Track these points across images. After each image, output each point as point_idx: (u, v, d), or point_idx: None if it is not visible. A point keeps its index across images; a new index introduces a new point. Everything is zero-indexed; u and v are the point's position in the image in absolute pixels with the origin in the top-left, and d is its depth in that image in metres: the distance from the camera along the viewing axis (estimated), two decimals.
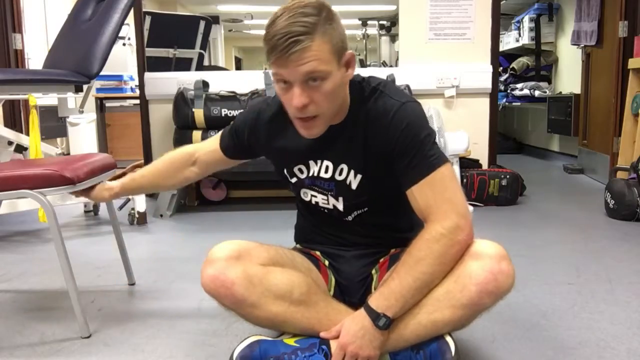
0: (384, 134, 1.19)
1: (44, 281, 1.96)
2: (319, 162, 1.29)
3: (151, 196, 3.32)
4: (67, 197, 2.53)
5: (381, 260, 1.36)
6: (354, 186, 1.28)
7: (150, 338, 1.46)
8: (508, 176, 3.10)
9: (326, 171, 1.29)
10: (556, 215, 2.91)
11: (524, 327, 1.49)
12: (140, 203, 2.75)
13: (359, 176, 1.26)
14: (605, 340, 1.40)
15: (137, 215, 2.76)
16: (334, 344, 1.17)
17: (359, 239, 1.38)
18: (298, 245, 1.48)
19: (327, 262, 1.39)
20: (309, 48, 1.07)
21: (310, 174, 1.31)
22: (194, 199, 3.27)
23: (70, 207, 3.09)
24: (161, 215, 2.92)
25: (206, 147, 1.48)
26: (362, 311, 1.15)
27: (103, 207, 3.02)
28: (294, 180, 1.35)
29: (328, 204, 1.33)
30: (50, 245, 2.35)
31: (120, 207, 2.93)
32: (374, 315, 1.13)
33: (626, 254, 2.19)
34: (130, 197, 2.73)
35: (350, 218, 1.34)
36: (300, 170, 1.32)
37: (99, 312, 1.65)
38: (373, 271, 1.36)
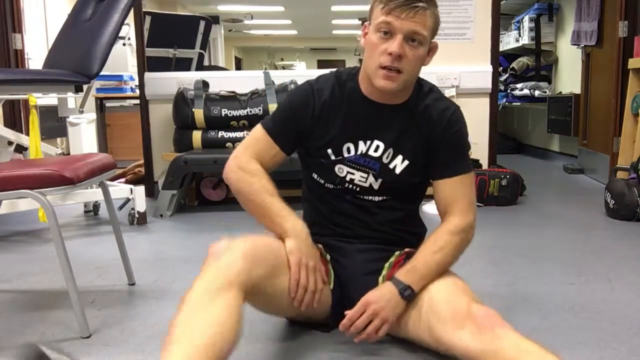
0: (440, 130, 1.35)
1: (44, 281, 1.96)
2: (368, 142, 1.36)
3: (151, 196, 3.32)
4: (67, 197, 2.53)
5: (386, 272, 1.38)
6: (397, 171, 1.37)
7: (150, 338, 1.46)
8: (508, 176, 3.10)
9: (376, 150, 1.36)
10: (556, 215, 2.91)
11: (524, 327, 1.49)
12: (140, 203, 2.75)
13: (406, 162, 1.36)
14: (605, 340, 1.40)
15: (137, 215, 2.76)
16: None
17: (367, 231, 1.41)
18: None
19: (328, 257, 1.41)
20: (424, 12, 1.24)
21: (359, 152, 1.36)
22: (194, 199, 3.26)
23: (70, 207, 3.09)
24: (161, 215, 2.92)
25: (266, 157, 1.38)
26: (388, 283, 1.29)
27: (103, 207, 3.02)
28: (336, 158, 1.37)
29: (365, 182, 1.38)
30: (50, 245, 2.34)
31: (120, 207, 2.93)
32: (402, 287, 1.26)
33: (626, 253, 2.19)
34: (130, 197, 2.73)
35: (376, 199, 1.39)
36: (348, 150, 1.37)
37: (99, 312, 1.65)
38: (380, 279, 1.37)
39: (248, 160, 1.37)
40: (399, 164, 1.37)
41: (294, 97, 1.41)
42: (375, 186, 1.38)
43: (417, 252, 1.31)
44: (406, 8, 1.21)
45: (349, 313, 1.27)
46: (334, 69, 1.44)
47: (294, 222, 1.31)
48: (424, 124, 1.36)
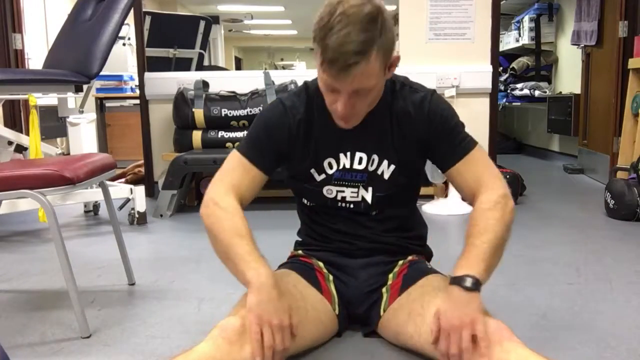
0: (423, 123, 1.28)
1: (44, 281, 1.96)
2: (348, 154, 1.31)
3: (151, 196, 3.32)
4: (67, 197, 2.53)
5: (391, 282, 1.36)
6: (386, 176, 1.32)
7: (150, 338, 1.46)
8: (508, 176, 3.10)
9: (360, 162, 1.32)
10: (556, 215, 2.91)
11: (524, 327, 1.49)
12: (140, 203, 2.75)
13: (392, 166, 1.31)
14: (605, 340, 1.40)
15: (137, 215, 2.76)
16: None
17: (369, 244, 1.38)
18: (300, 252, 1.46)
19: (331, 277, 1.39)
20: (362, 67, 1.08)
21: (341, 167, 1.32)
22: (193, 199, 3.27)
23: (70, 207, 3.09)
24: (161, 215, 2.92)
25: (244, 183, 1.28)
26: (449, 287, 1.12)
27: (103, 207, 3.02)
28: (321, 177, 1.33)
29: (357, 196, 1.34)
30: (50, 245, 2.35)
31: (120, 207, 2.93)
32: (459, 280, 1.10)
33: (626, 254, 2.19)
34: (130, 197, 2.73)
35: (373, 213, 1.36)
36: (330, 165, 1.32)
37: (99, 312, 1.65)
38: (384, 290, 1.35)
39: (223, 193, 1.25)
40: (386, 169, 1.32)
41: (269, 118, 1.32)
42: (368, 198, 1.34)
43: (465, 242, 1.18)
44: (339, 71, 1.08)
45: (439, 347, 1.10)
46: (306, 80, 1.35)
47: (257, 272, 1.13)
48: (405, 123, 1.28)
